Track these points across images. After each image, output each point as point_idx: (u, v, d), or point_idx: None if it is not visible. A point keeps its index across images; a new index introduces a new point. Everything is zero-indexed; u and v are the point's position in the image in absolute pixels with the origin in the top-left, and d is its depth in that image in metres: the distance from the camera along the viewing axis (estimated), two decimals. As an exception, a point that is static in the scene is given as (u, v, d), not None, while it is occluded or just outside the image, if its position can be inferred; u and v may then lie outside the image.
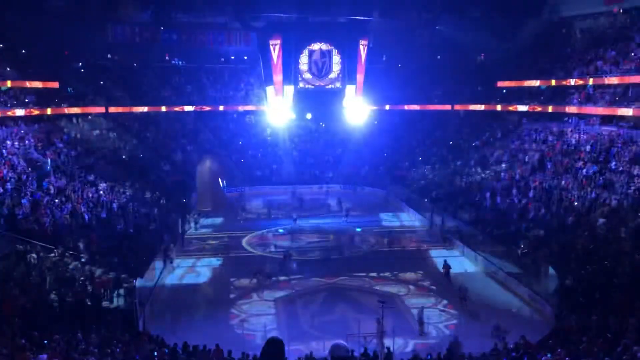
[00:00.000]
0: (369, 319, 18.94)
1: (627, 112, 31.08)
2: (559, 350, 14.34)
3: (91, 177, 32.75)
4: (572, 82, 37.00)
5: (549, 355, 14.13)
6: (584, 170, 29.69)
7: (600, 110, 33.59)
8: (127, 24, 50.43)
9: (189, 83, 50.34)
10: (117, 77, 47.38)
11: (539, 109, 39.38)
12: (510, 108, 42.42)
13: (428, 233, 33.38)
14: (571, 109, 36.23)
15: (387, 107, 50.14)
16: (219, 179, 42.95)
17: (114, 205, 29.89)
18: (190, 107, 47.93)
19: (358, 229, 33.52)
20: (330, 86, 48.67)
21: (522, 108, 41.02)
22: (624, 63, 33.68)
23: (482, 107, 45.65)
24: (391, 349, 17.09)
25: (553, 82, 39.19)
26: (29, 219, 23.86)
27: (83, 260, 21.77)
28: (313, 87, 48.33)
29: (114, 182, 34.13)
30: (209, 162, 44.76)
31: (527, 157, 35.60)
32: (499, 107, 43.79)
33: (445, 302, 22.79)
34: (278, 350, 4.54)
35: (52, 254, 20.99)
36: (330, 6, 46.62)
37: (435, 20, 51.12)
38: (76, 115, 42.23)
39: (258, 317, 21.41)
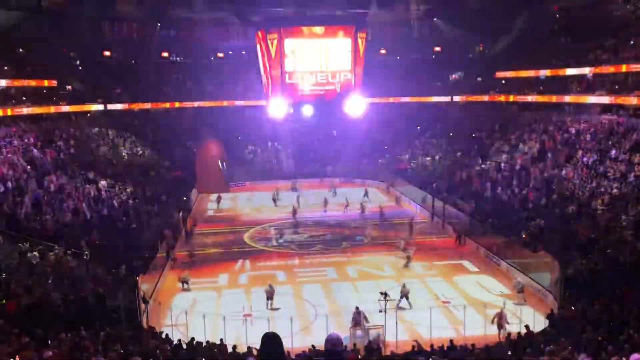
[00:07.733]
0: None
1: (629, 100, 31.02)
2: (562, 339, 14.34)
3: (91, 175, 32.71)
4: (571, 71, 36.89)
5: (551, 345, 14.13)
6: (584, 159, 29.66)
7: (600, 99, 33.50)
8: (125, 21, 50.30)
9: (187, 79, 50.21)
10: (115, 75, 47.27)
11: (538, 98, 39.27)
12: (510, 98, 42.31)
13: (429, 225, 33.37)
14: (571, 98, 36.14)
15: (387, 99, 49.90)
16: (220, 162, 42.63)
17: (115, 202, 29.88)
18: (189, 103, 47.73)
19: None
20: (328, 80, 48.35)
21: (522, 98, 40.91)
22: (623, 51, 33.56)
23: (481, 98, 45.53)
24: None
25: (552, 72, 39.06)
26: (30, 217, 23.87)
27: (85, 257, 21.77)
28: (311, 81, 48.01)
29: (114, 179, 34.11)
30: (209, 146, 44.59)
31: (527, 147, 35.54)
32: (498, 98, 43.68)
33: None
34: (275, 344, 4.50)
35: (54, 252, 20.98)
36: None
37: (434, 12, 50.92)
38: (75, 113, 42.15)
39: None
